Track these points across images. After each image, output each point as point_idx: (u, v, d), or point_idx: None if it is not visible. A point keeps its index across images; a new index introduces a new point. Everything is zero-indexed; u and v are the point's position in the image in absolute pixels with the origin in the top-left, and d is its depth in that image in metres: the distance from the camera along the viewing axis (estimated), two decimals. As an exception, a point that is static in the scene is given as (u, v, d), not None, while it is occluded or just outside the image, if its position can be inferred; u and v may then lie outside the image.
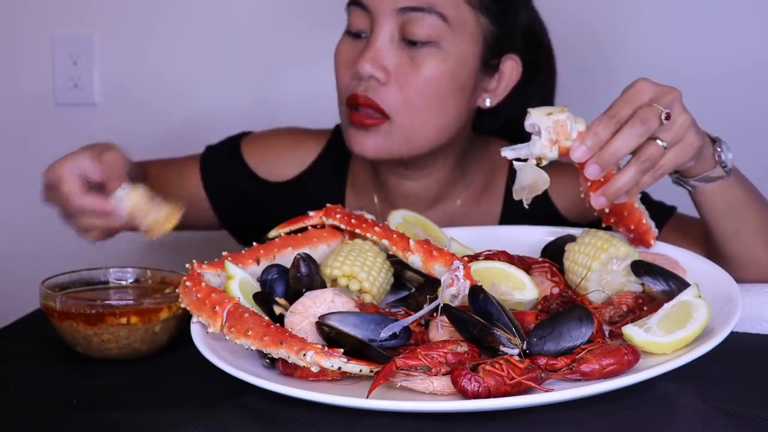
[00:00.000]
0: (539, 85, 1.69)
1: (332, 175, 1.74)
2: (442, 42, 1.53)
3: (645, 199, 1.54)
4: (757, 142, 2.04)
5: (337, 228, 1.33)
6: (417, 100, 1.53)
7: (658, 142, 1.20)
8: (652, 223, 1.33)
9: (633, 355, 1.06)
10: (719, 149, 1.33)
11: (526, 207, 1.23)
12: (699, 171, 1.33)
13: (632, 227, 1.32)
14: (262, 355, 1.12)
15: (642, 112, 1.20)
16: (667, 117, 1.20)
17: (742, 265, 1.40)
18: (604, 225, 1.34)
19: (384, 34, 1.52)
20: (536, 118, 1.20)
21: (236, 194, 1.75)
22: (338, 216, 1.32)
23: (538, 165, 1.21)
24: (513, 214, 1.68)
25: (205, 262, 1.23)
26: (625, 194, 1.22)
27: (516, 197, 1.22)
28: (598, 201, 1.22)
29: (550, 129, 1.19)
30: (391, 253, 1.27)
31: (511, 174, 1.33)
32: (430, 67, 1.53)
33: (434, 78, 1.53)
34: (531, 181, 1.21)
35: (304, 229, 1.33)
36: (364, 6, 1.54)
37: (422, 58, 1.53)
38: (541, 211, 1.67)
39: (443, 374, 1.05)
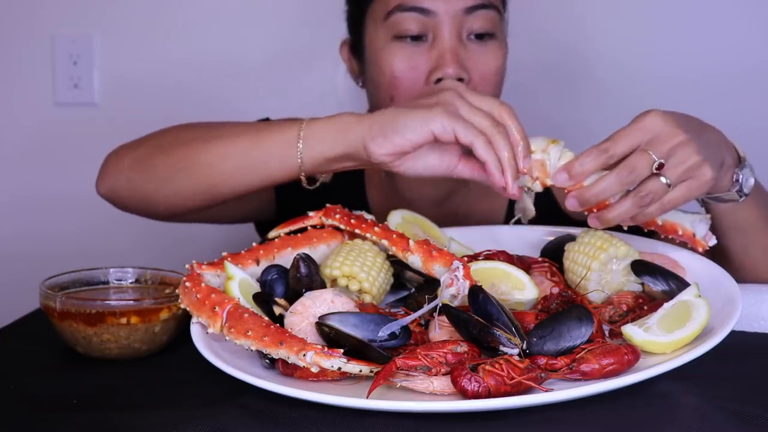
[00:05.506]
0: None
1: (351, 177, 1.74)
2: (498, 34, 1.59)
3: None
4: (757, 143, 2.04)
5: (336, 228, 1.33)
6: (492, 91, 1.57)
7: (662, 179, 1.18)
8: (701, 230, 1.27)
9: (633, 354, 1.06)
10: (739, 173, 1.29)
11: (525, 223, 1.35)
12: (711, 191, 1.28)
13: (673, 237, 1.29)
14: (262, 355, 1.12)
15: (633, 159, 1.18)
16: (659, 167, 1.17)
17: (745, 276, 1.39)
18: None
19: (454, 34, 1.54)
20: None
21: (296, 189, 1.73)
22: (337, 216, 1.32)
23: (527, 192, 1.29)
24: None
25: (205, 262, 1.23)
26: (630, 220, 1.22)
27: (516, 215, 1.35)
28: (592, 222, 1.24)
29: (531, 167, 1.26)
30: (390, 253, 1.27)
31: None
32: (497, 57, 1.58)
33: (501, 67, 1.59)
34: (522, 206, 1.34)
35: (303, 230, 1.33)
36: (426, 11, 1.54)
37: (491, 50, 1.57)
38: (546, 211, 1.67)
39: (443, 374, 1.05)
